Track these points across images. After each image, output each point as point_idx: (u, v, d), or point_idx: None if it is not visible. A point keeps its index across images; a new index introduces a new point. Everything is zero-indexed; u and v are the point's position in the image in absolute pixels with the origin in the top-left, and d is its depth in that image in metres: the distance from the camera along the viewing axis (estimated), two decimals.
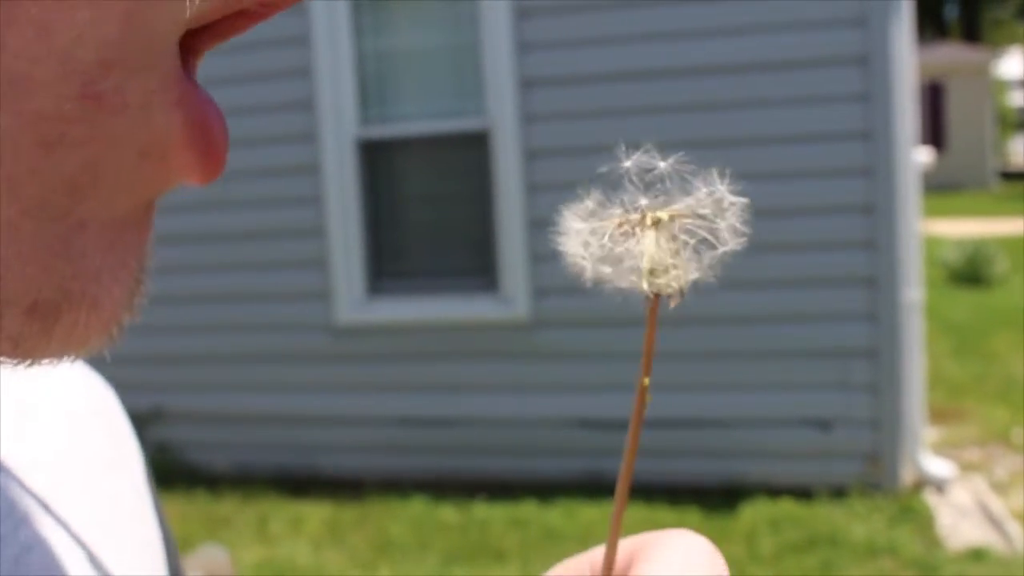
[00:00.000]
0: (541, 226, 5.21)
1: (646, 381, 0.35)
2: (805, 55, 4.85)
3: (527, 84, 5.16)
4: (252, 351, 5.63)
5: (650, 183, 0.35)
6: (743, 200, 0.35)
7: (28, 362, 0.28)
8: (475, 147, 5.28)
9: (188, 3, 0.25)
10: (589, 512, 4.94)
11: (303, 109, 5.41)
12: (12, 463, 0.43)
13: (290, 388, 5.63)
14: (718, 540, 4.60)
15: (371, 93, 5.43)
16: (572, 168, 5.17)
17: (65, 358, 0.28)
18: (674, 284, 0.34)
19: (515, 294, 5.27)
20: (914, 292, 4.95)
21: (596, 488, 5.14)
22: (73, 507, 0.44)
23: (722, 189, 0.35)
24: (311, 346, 5.59)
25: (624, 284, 0.35)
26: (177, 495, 5.44)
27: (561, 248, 0.35)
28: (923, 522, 4.74)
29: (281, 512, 5.22)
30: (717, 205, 0.35)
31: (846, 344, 4.94)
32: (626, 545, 0.37)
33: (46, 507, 0.43)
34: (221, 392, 5.71)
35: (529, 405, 5.35)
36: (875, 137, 4.81)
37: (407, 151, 5.45)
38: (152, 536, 0.50)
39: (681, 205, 0.34)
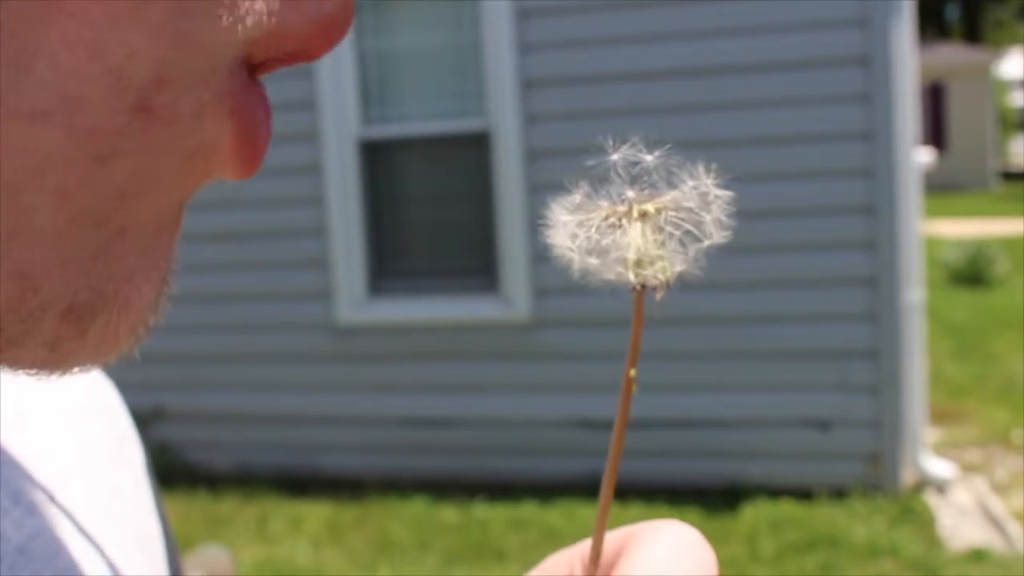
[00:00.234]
0: (542, 227, 5.21)
1: (632, 372, 0.35)
2: (806, 55, 4.85)
3: (528, 85, 5.16)
4: (253, 351, 5.64)
5: (636, 176, 0.35)
6: (728, 194, 0.35)
7: (64, 368, 0.28)
8: (476, 147, 5.28)
9: (240, 26, 0.26)
10: (589, 512, 4.94)
11: (304, 109, 5.41)
12: (16, 453, 0.43)
13: (291, 388, 5.63)
14: (718, 541, 4.60)
15: (372, 93, 5.43)
16: (573, 169, 5.15)
17: (98, 362, 0.29)
18: (660, 276, 0.34)
19: (516, 294, 5.27)
20: (915, 293, 4.95)
21: (597, 489, 5.12)
22: (76, 498, 0.44)
23: (707, 183, 0.35)
24: (312, 346, 5.59)
25: (611, 276, 0.35)
26: (178, 494, 5.44)
27: (549, 240, 0.35)
28: (924, 523, 4.74)
29: (281, 512, 5.22)
30: (703, 199, 0.35)
31: (847, 345, 4.94)
32: (615, 537, 0.37)
33: (51, 497, 0.43)
34: (222, 391, 5.71)
35: (529, 405, 5.35)
36: (876, 138, 4.82)
37: (408, 151, 5.46)
38: (152, 529, 0.51)
39: (667, 198, 0.34)
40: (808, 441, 5.04)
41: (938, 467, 5.12)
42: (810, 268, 4.94)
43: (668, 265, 0.34)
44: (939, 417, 6.23)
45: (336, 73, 5.34)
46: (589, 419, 5.26)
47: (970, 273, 11.90)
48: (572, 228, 0.36)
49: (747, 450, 5.08)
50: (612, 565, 0.36)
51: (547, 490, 5.20)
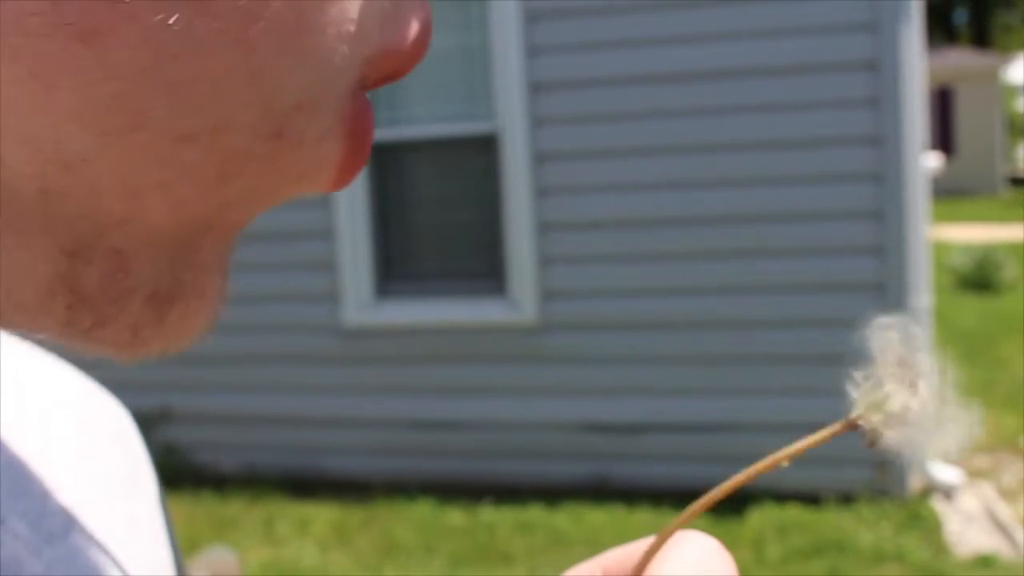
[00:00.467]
0: (549, 230, 5.22)
1: (784, 464, 0.36)
2: (814, 60, 4.85)
3: (536, 88, 5.16)
4: (260, 352, 5.64)
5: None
6: (963, 440, 0.36)
7: (140, 351, 0.29)
8: (484, 150, 5.28)
9: (361, 49, 0.27)
10: (596, 516, 4.94)
11: None
12: (37, 480, 0.43)
13: (297, 390, 5.63)
14: (725, 545, 4.57)
15: (380, 95, 5.43)
16: (581, 172, 5.17)
17: (171, 347, 0.30)
18: (874, 429, 0.35)
19: (523, 297, 5.27)
20: (922, 298, 4.94)
21: (603, 492, 5.14)
22: (94, 528, 0.44)
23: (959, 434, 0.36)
24: (319, 348, 5.59)
25: (855, 406, 0.36)
26: (184, 496, 5.45)
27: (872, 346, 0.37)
28: (931, 529, 4.73)
29: (288, 513, 5.22)
30: (941, 417, 0.36)
31: (855, 350, 4.92)
32: (637, 548, 0.37)
33: (69, 526, 0.43)
34: (228, 393, 5.72)
35: (536, 408, 5.35)
36: (884, 142, 4.81)
37: (416, 154, 5.46)
38: (165, 559, 0.51)
39: (927, 396, 0.35)
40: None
41: (945, 473, 5.11)
42: (818, 273, 4.94)
43: (881, 430, 0.35)
44: None
45: None
46: (596, 422, 5.25)
47: (978, 278, 11.87)
48: (885, 348, 0.37)
49: (754, 454, 5.00)
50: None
51: (553, 493, 5.20)
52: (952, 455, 0.35)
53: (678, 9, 4.99)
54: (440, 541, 4.83)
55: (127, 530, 0.47)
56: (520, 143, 5.17)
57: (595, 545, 4.40)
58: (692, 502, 0.35)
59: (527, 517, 4.99)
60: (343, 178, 0.29)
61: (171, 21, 0.23)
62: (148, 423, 5.69)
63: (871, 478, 5.00)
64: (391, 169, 5.45)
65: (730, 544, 4.19)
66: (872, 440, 0.35)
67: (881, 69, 4.77)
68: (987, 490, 5.21)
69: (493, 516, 5.03)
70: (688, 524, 0.36)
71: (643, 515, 4.81)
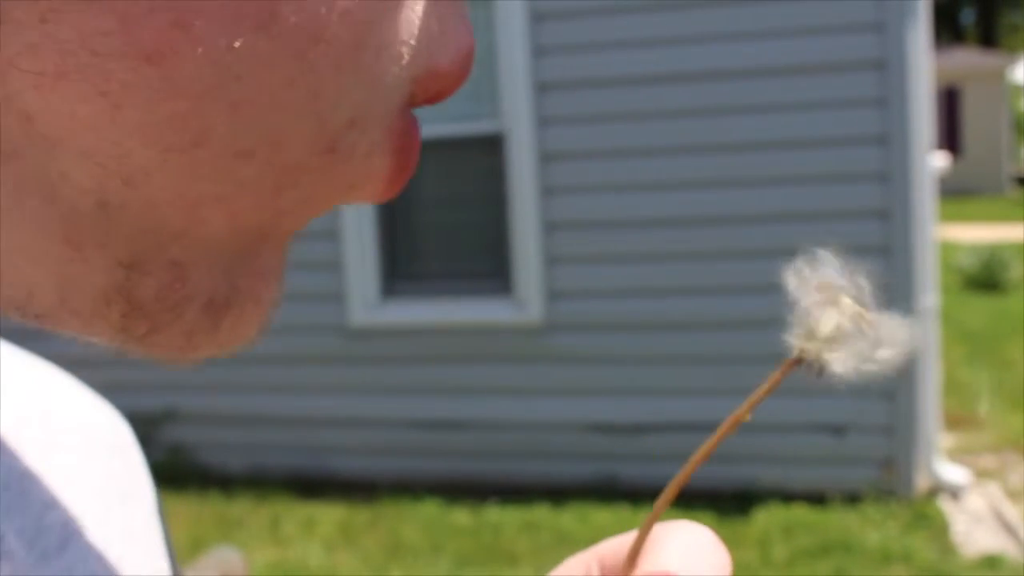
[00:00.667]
0: (555, 230, 5.22)
1: (746, 418, 0.36)
2: (821, 59, 4.84)
3: (542, 88, 5.16)
4: (265, 352, 5.64)
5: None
6: (901, 351, 0.36)
7: (192, 356, 0.30)
8: (490, 150, 5.28)
9: (412, 67, 0.28)
10: (602, 516, 4.93)
11: None
12: (34, 495, 0.43)
13: (303, 390, 5.63)
14: (731, 545, 4.57)
15: None
16: (587, 172, 5.17)
17: (223, 352, 0.31)
18: (816, 357, 0.35)
19: (529, 297, 5.27)
20: (929, 298, 4.93)
21: (609, 492, 5.14)
22: (91, 542, 0.44)
23: (899, 334, 0.36)
24: (324, 348, 5.59)
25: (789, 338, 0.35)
26: (190, 496, 5.46)
27: (787, 284, 0.36)
28: (937, 529, 4.72)
29: (294, 514, 5.23)
30: (886, 337, 0.36)
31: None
32: (627, 541, 0.38)
33: (66, 542, 0.43)
34: (234, 393, 5.72)
35: (542, 408, 5.35)
36: (891, 142, 4.80)
37: (422, 153, 5.39)
38: (163, 572, 0.51)
39: (870, 315, 0.35)
40: (822, 446, 5.03)
41: (952, 473, 5.10)
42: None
43: (827, 356, 0.35)
44: (953, 423, 6.20)
45: None
46: (602, 422, 5.25)
47: (985, 278, 11.85)
48: (801, 282, 0.36)
49: (760, 455, 5.06)
50: (628, 566, 0.37)
51: (559, 493, 5.20)
52: (894, 363, 0.35)
53: (684, 9, 4.99)
54: (446, 541, 4.84)
55: (125, 541, 0.47)
56: (526, 143, 5.17)
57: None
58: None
59: (533, 517, 4.99)
60: (390, 190, 0.31)
61: (236, 44, 0.24)
62: (154, 423, 5.70)
63: (877, 478, 5.00)
64: None
65: (736, 544, 4.19)
66: (819, 370, 0.35)
67: (888, 69, 4.77)
68: (994, 490, 5.20)
69: (499, 516, 5.03)
70: (668, 506, 0.36)
71: (649, 514, 4.80)
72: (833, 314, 0.35)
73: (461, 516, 5.07)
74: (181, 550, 4.72)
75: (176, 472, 5.67)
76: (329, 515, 5.18)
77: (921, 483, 5.02)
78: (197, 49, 0.23)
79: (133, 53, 0.23)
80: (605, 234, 5.16)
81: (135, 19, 0.23)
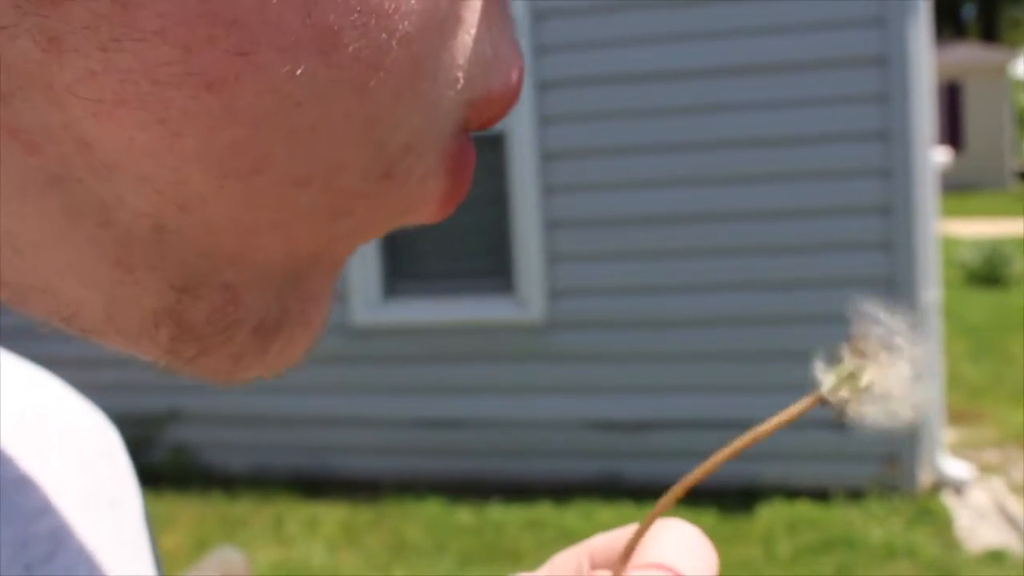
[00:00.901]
0: (557, 228, 5.21)
1: (762, 439, 0.36)
2: (822, 56, 4.84)
3: (543, 86, 5.16)
4: None
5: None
6: (926, 399, 0.37)
7: (239, 377, 0.30)
8: (491, 149, 5.28)
9: (467, 93, 0.28)
10: (605, 513, 4.93)
11: None
12: (23, 505, 0.43)
13: (306, 389, 5.63)
14: (735, 542, 4.59)
15: None
16: (588, 170, 5.17)
17: (270, 373, 0.31)
18: (843, 404, 0.35)
19: (530, 296, 5.27)
20: (932, 293, 4.93)
21: (612, 489, 5.14)
22: (79, 552, 0.44)
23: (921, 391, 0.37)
24: (326, 347, 5.59)
25: (817, 381, 0.37)
26: (193, 496, 5.46)
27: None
28: (941, 524, 4.72)
29: (297, 513, 5.23)
30: (911, 387, 0.36)
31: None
32: (623, 535, 0.38)
33: (53, 552, 0.42)
34: (237, 393, 5.72)
35: (545, 407, 5.35)
36: (893, 137, 4.80)
37: None
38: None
39: (895, 370, 0.35)
40: (824, 442, 5.03)
41: (955, 468, 5.10)
42: (827, 268, 4.93)
43: (855, 405, 0.35)
44: (956, 418, 6.20)
45: None
46: (604, 420, 5.25)
47: (987, 273, 11.85)
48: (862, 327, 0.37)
49: (763, 451, 5.06)
50: (617, 563, 0.37)
51: (562, 491, 5.20)
52: (908, 419, 0.36)
53: (685, 6, 4.98)
54: (449, 540, 4.84)
55: (113, 549, 0.47)
56: (527, 141, 5.17)
57: None
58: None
59: (536, 515, 4.99)
60: (444, 211, 0.31)
61: (298, 72, 0.24)
62: (157, 424, 5.70)
63: (881, 474, 4.99)
64: None
65: (740, 541, 4.20)
66: (838, 413, 0.36)
67: (889, 64, 4.76)
68: (997, 485, 5.20)
69: (502, 515, 5.03)
70: (672, 508, 0.37)
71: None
72: (877, 371, 0.36)
73: (464, 515, 5.07)
74: (185, 550, 4.73)
75: (179, 472, 5.67)
76: (332, 515, 5.19)
77: (924, 478, 5.02)
78: (258, 77, 0.23)
79: (194, 82, 0.23)
80: (606, 232, 5.16)
81: (197, 48, 0.23)
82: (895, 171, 4.81)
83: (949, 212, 15.09)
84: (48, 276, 0.27)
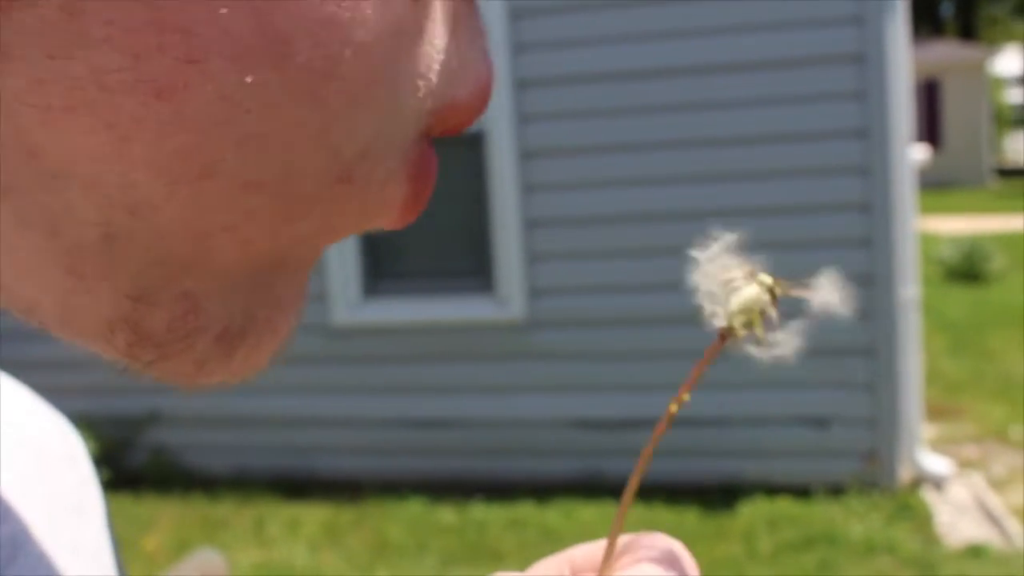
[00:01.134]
0: (536, 227, 5.21)
1: (686, 397, 0.37)
2: (800, 53, 4.85)
3: (522, 85, 5.16)
4: None
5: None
6: (846, 312, 0.37)
7: (203, 382, 0.30)
8: (470, 148, 5.27)
9: (429, 100, 0.28)
10: (587, 512, 4.94)
11: None
12: None
13: (286, 390, 5.61)
14: (716, 539, 4.60)
15: None
16: (568, 168, 5.17)
17: (235, 379, 0.31)
18: (745, 330, 0.37)
19: (511, 295, 5.27)
20: (911, 289, 4.95)
21: (594, 488, 5.14)
22: (38, 558, 0.44)
23: (833, 296, 0.37)
24: (307, 348, 5.58)
25: (713, 318, 0.38)
26: (174, 498, 5.44)
27: (692, 277, 0.38)
28: (921, 520, 4.74)
29: (278, 514, 5.21)
30: (823, 304, 0.37)
31: (843, 342, 4.93)
32: (599, 546, 0.39)
33: (13, 557, 0.42)
34: (217, 394, 5.70)
35: (526, 405, 5.35)
36: (871, 135, 4.82)
37: None
38: None
39: (787, 282, 0.37)
40: (805, 439, 5.04)
41: (935, 464, 5.12)
42: (805, 266, 4.89)
43: (758, 330, 0.37)
44: (936, 414, 6.23)
45: None
46: (585, 419, 5.25)
47: (966, 269, 11.90)
48: (704, 274, 0.39)
49: (744, 448, 5.08)
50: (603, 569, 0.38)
51: (544, 490, 5.20)
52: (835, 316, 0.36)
53: (663, 4, 4.99)
54: (431, 540, 4.83)
55: (74, 554, 0.46)
56: (506, 140, 5.17)
57: (587, 541, 4.39)
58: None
59: (518, 514, 4.99)
60: (406, 217, 0.31)
61: (248, 80, 0.24)
62: (138, 426, 5.68)
63: (861, 470, 5.01)
64: None
65: (721, 538, 4.21)
66: (755, 339, 0.36)
67: (867, 62, 4.78)
68: (977, 480, 5.23)
69: (484, 514, 5.03)
70: (634, 499, 0.37)
71: (634, 511, 4.81)
72: (753, 288, 0.36)
73: (446, 514, 5.07)
74: (166, 552, 4.71)
75: (160, 474, 5.65)
76: (314, 515, 5.17)
77: (904, 474, 5.04)
78: (207, 85, 0.23)
79: (144, 88, 0.23)
80: (586, 230, 5.16)
81: (146, 55, 0.23)
82: (873, 168, 4.82)
83: (928, 209, 15.16)
84: (3, 277, 0.27)
